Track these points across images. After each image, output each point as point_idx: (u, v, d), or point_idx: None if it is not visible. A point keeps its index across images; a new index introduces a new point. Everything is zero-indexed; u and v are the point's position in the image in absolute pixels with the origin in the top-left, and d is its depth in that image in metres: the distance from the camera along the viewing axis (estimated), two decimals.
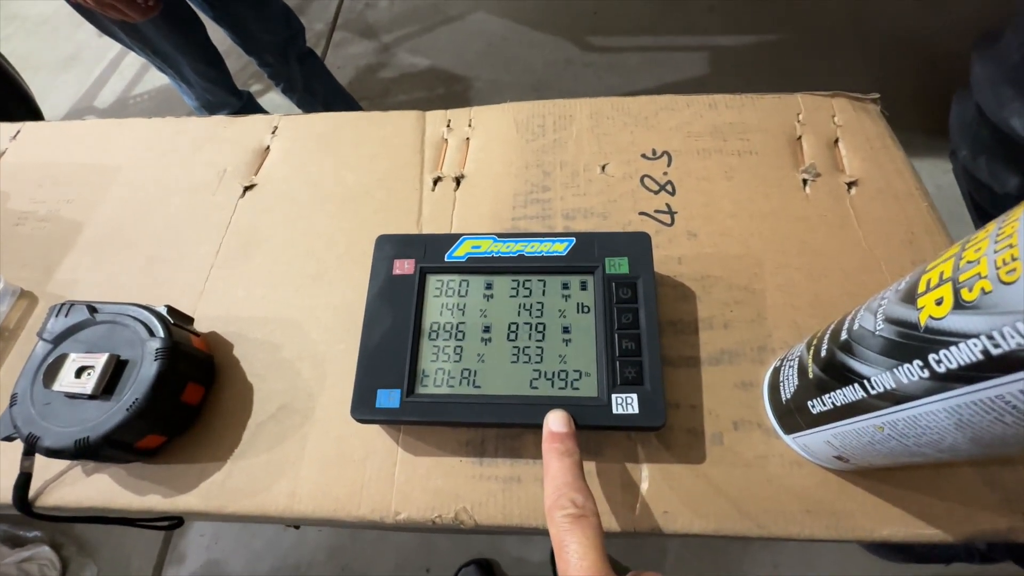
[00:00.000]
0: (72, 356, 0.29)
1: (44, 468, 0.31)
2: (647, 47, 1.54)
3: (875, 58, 1.43)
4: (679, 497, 0.29)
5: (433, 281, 0.32)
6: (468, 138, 0.44)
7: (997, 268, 0.14)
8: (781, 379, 0.28)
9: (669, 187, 0.39)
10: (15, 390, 0.29)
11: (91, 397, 0.28)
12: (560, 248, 0.32)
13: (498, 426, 0.30)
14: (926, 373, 0.17)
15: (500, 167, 0.41)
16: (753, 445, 0.29)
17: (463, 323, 0.30)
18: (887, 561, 0.88)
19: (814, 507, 0.28)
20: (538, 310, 0.30)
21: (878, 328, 0.20)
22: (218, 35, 0.97)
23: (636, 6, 1.61)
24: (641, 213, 0.38)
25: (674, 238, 0.36)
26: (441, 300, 0.31)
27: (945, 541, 0.27)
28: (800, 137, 0.40)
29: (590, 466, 0.29)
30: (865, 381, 0.20)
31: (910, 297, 0.18)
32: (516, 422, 0.28)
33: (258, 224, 0.40)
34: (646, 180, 0.39)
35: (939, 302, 0.16)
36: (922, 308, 0.17)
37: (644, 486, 0.29)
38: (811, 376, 0.25)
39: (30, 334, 0.37)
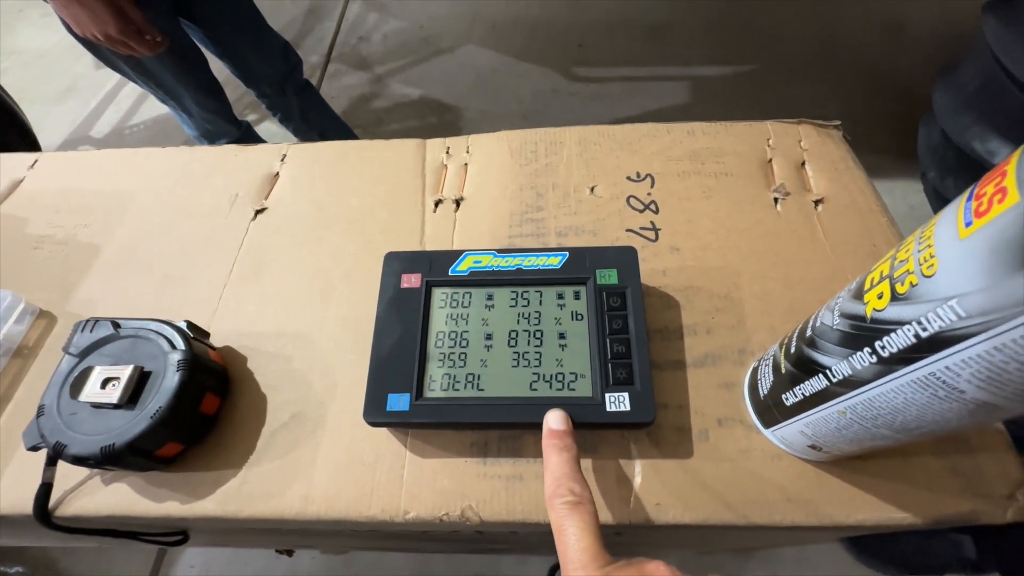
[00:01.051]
0: (98, 368, 0.31)
1: (62, 480, 0.33)
2: (630, 77, 1.61)
3: (846, 88, 1.52)
4: (670, 491, 0.31)
5: (438, 293, 0.34)
6: (466, 163, 0.47)
7: (920, 264, 0.17)
8: (759, 377, 0.31)
9: (653, 206, 0.42)
10: (42, 401, 0.31)
11: (116, 406, 0.30)
12: (555, 262, 0.34)
13: (501, 426, 0.32)
14: (874, 358, 0.20)
15: (496, 190, 0.44)
16: (736, 441, 0.32)
17: (467, 331, 0.33)
18: (882, 574, 0.89)
19: (794, 496, 0.30)
20: (536, 318, 0.33)
21: (835, 323, 0.22)
22: (216, 65, 1.00)
23: (619, 39, 1.70)
24: (628, 230, 0.41)
25: (659, 252, 0.39)
26: (446, 311, 0.34)
27: (915, 525, 0.29)
28: (771, 160, 0.44)
29: (586, 463, 0.32)
30: (827, 371, 0.23)
31: (859, 294, 0.21)
32: (518, 422, 0.30)
33: (269, 245, 0.43)
34: (632, 200, 0.43)
35: (880, 296, 0.19)
36: (868, 303, 0.20)
37: (637, 481, 0.31)
38: (784, 372, 0.27)
39: (48, 352, 0.39)
